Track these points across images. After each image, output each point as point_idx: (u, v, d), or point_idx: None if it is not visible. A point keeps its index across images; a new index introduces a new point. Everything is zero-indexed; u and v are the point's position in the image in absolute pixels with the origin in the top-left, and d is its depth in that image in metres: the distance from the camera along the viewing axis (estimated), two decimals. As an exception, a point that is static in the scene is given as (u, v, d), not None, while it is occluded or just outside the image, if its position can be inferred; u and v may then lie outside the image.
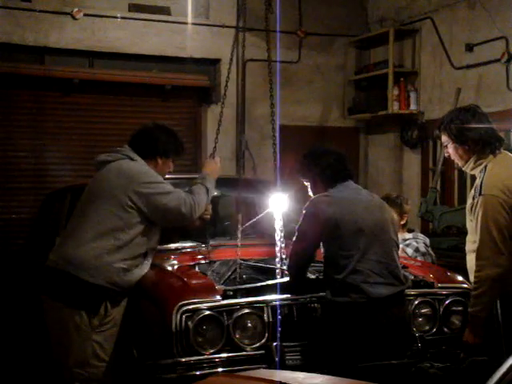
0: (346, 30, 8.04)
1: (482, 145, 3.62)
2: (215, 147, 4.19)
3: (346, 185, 3.71)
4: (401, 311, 3.58)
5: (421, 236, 5.05)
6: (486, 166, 3.61)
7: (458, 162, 3.74)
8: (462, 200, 6.63)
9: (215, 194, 4.22)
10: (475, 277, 3.53)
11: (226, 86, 4.38)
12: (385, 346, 3.48)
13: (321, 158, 3.79)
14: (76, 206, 3.90)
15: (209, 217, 3.97)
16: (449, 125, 3.67)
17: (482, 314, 3.55)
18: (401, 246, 4.62)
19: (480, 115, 3.68)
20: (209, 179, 3.87)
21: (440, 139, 3.78)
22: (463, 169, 3.78)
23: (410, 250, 4.84)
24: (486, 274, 3.48)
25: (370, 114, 7.74)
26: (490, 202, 3.49)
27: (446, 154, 3.79)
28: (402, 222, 4.92)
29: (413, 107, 7.34)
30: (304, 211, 3.66)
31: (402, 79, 7.34)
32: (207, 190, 3.80)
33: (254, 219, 4.39)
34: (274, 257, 4.03)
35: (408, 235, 4.98)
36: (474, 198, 3.58)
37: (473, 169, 3.68)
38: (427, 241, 5.03)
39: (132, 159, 3.77)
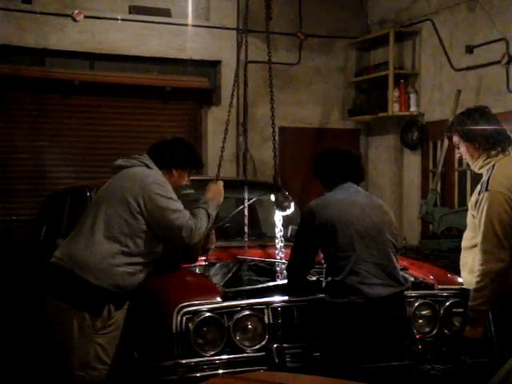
0: (347, 31, 8.04)
1: (493, 143, 3.69)
2: (223, 148, 4.26)
3: (344, 187, 3.69)
4: (400, 312, 3.57)
5: None
6: (493, 165, 3.67)
7: (469, 161, 3.81)
8: (463, 202, 6.63)
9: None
10: (478, 270, 3.57)
11: (234, 89, 4.40)
12: (384, 346, 3.48)
13: (324, 159, 3.79)
14: (87, 207, 3.91)
15: (213, 247, 4.01)
16: (459, 124, 3.76)
17: (483, 308, 3.58)
18: None
19: (488, 115, 3.78)
20: (211, 204, 3.80)
21: (451, 140, 3.84)
22: (471, 167, 3.84)
23: None
24: (489, 267, 3.53)
25: (370, 115, 7.73)
26: (496, 198, 3.55)
27: (458, 155, 3.86)
28: None
29: (413, 109, 7.35)
30: (301, 216, 3.67)
31: (402, 81, 7.34)
32: (209, 216, 3.75)
33: (242, 206, 4.42)
34: (275, 258, 4.04)
35: None
36: (479, 193, 3.63)
37: (481, 167, 3.74)
38: None
39: (149, 167, 3.77)
